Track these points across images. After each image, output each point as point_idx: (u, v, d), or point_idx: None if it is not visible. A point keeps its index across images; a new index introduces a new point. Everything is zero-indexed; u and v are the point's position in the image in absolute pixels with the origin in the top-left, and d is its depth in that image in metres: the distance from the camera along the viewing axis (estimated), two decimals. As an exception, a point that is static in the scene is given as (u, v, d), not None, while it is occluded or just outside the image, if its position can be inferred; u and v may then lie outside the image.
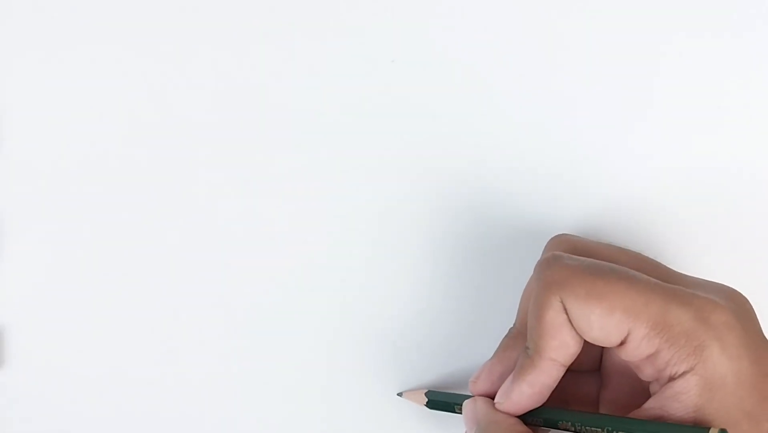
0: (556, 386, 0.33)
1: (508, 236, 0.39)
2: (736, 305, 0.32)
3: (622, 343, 0.32)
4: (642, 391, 0.33)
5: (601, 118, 0.39)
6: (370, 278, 0.39)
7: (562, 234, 0.36)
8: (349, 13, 0.39)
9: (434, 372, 0.39)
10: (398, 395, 0.39)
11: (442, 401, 0.38)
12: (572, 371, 0.34)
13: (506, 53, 0.39)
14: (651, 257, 0.36)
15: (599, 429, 0.32)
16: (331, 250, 0.39)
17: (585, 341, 0.32)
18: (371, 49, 0.39)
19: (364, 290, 0.39)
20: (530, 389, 0.33)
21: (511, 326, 0.36)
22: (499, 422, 0.34)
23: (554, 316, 0.32)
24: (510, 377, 0.34)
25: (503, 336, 0.36)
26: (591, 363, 0.36)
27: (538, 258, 0.34)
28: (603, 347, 0.35)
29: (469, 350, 0.39)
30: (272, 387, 0.39)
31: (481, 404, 0.35)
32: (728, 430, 0.30)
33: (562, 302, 0.32)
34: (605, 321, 0.31)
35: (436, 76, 0.39)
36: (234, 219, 0.39)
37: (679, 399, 0.31)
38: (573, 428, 0.33)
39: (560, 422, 0.33)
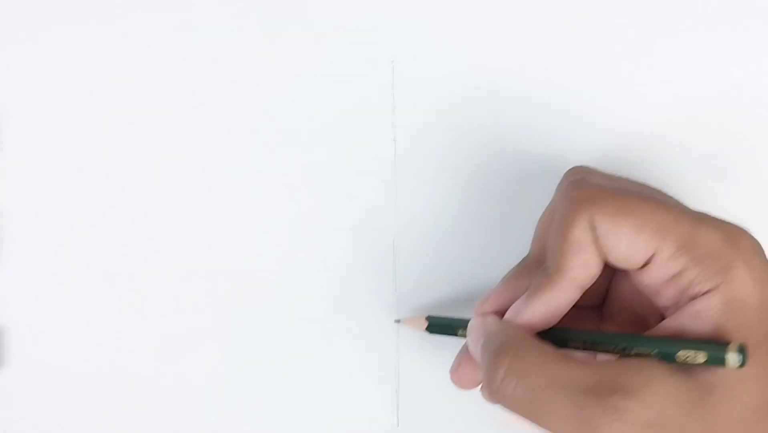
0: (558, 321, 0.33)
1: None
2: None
3: (645, 264, 0.31)
4: (645, 328, 0.33)
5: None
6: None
7: (581, 166, 0.36)
8: (349, 13, 0.39)
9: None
10: (396, 321, 0.39)
11: (443, 324, 0.37)
12: (573, 306, 0.33)
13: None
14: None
15: (612, 346, 0.31)
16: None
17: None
18: (371, 49, 0.39)
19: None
20: (544, 307, 0.32)
21: (525, 256, 0.36)
22: (510, 329, 0.33)
23: (581, 233, 0.31)
24: (523, 296, 0.33)
25: (512, 267, 0.36)
26: (594, 298, 0.35)
27: (547, 192, 0.34)
28: (609, 281, 0.35)
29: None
30: (270, 373, 0.39)
31: (490, 318, 0.34)
32: (749, 351, 0.29)
33: (590, 220, 0.31)
34: (634, 238, 0.31)
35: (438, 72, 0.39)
36: (234, 219, 0.39)
37: (700, 317, 0.30)
38: (583, 347, 0.32)
39: (570, 341, 0.32)
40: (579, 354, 0.32)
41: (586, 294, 0.33)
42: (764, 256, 0.31)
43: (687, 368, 0.30)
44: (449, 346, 0.36)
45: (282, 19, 0.39)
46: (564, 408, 0.30)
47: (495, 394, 0.31)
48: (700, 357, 0.29)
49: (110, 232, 0.39)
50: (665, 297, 0.32)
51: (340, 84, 0.39)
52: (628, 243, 0.31)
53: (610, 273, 0.35)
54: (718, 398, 0.29)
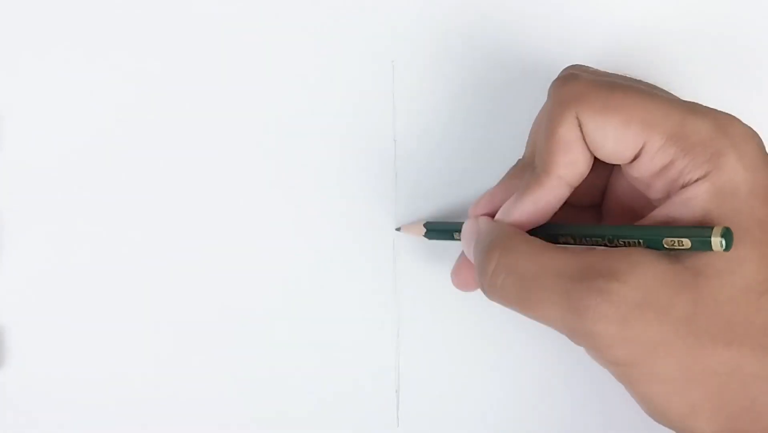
0: (556, 220, 0.33)
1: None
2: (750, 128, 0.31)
3: (635, 158, 0.31)
4: None
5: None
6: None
7: (576, 64, 0.35)
8: (349, 13, 0.39)
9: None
10: (396, 229, 0.39)
11: (440, 229, 0.37)
12: (572, 206, 0.34)
13: None
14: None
15: (600, 238, 0.32)
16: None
17: (591, 166, 0.32)
18: (371, 50, 0.39)
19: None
20: (533, 206, 0.32)
21: (519, 158, 0.36)
22: (500, 227, 0.33)
23: (567, 131, 0.31)
24: (513, 197, 0.33)
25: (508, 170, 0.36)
26: (592, 197, 0.36)
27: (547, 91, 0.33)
28: (607, 179, 0.35)
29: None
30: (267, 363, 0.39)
31: (481, 219, 0.34)
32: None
33: (577, 117, 0.31)
34: (621, 133, 0.30)
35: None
36: (234, 219, 0.39)
37: (688, 204, 0.30)
38: (573, 241, 0.32)
39: (560, 237, 0.33)
40: (568, 246, 0.32)
41: (585, 193, 0.33)
42: (757, 142, 0.31)
43: (675, 253, 0.30)
44: (453, 336, 0.36)
45: (282, 20, 0.39)
46: (552, 296, 0.30)
47: (487, 290, 0.32)
48: (686, 243, 0.29)
49: (110, 231, 0.39)
50: (656, 190, 0.32)
51: (340, 84, 0.39)
52: (615, 138, 0.31)
53: (608, 171, 0.35)
54: (706, 280, 0.29)
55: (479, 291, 0.33)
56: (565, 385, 0.39)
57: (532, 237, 0.32)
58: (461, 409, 0.39)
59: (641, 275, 0.29)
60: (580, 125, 0.31)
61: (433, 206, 0.39)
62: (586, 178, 0.32)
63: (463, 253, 0.36)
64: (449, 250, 0.38)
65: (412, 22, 0.39)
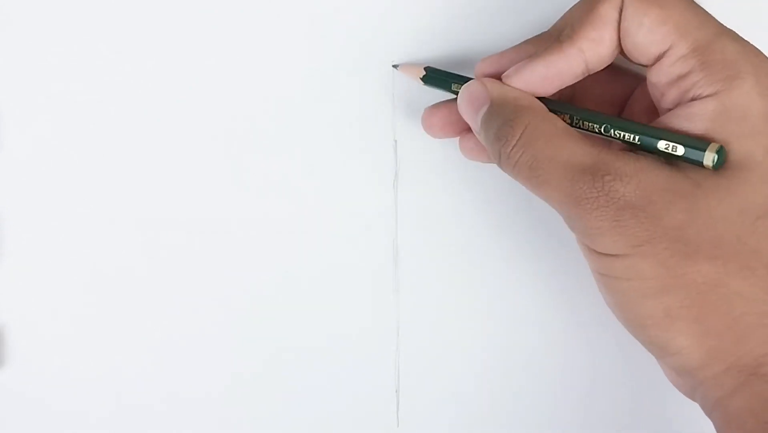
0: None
1: None
2: None
3: (656, 60, 0.32)
4: None
5: None
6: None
7: None
8: (349, 14, 0.39)
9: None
10: (394, 66, 0.38)
11: (440, 77, 0.36)
12: None
13: None
14: None
15: (597, 125, 0.32)
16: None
17: (614, 75, 0.33)
18: (371, 50, 0.39)
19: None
20: (544, 70, 0.33)
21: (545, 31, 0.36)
22: (518, 97, 0.33)
23: (607, 8, 0.32)
24: (527, 58, 0.33)
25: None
26: (612, 109, 0.36)
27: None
28: (628, 94, 0.36)
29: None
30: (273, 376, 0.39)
31: (492, 85, 0.34)
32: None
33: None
34: (654, 28, 0.31)
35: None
36: (234, 219, 0.39)
37: (691, 119, 0.31)
38: (570, 121, 0.33)
39: (560, 113, 0.33)
40: (588, 134, 0.33)
41: (604, 104, 0.34)
42: None
43: (683, 165, 0.31)
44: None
45: (282, 20, 0.39)
46: (560, 180, 0.31)
47: (504, 162, 0.33)
48: (680, 150, 0.30)
49: (111, 231, 0.39)
50: (668, 99, 0.32)
51: (340, 84, 0.39)
52: (647, 31, 0.31)
53: (630, 86, 0.36)
54: (704, 193, 0.30)
55: (480, 293, 0.33)
56: (568, 388, 0.40)
57: (555, 117, 0.32)
58: (461, 409, 0.40)
59: (643, 180, 0.30)
60: (620, 9, 0.32)
61: (434, 204, 0.39)
62: (608, 88, 0.33)
63: (445, 102, 0.36)
64: (459, 263, 0.38)
65: (412, 22, 0.39)
